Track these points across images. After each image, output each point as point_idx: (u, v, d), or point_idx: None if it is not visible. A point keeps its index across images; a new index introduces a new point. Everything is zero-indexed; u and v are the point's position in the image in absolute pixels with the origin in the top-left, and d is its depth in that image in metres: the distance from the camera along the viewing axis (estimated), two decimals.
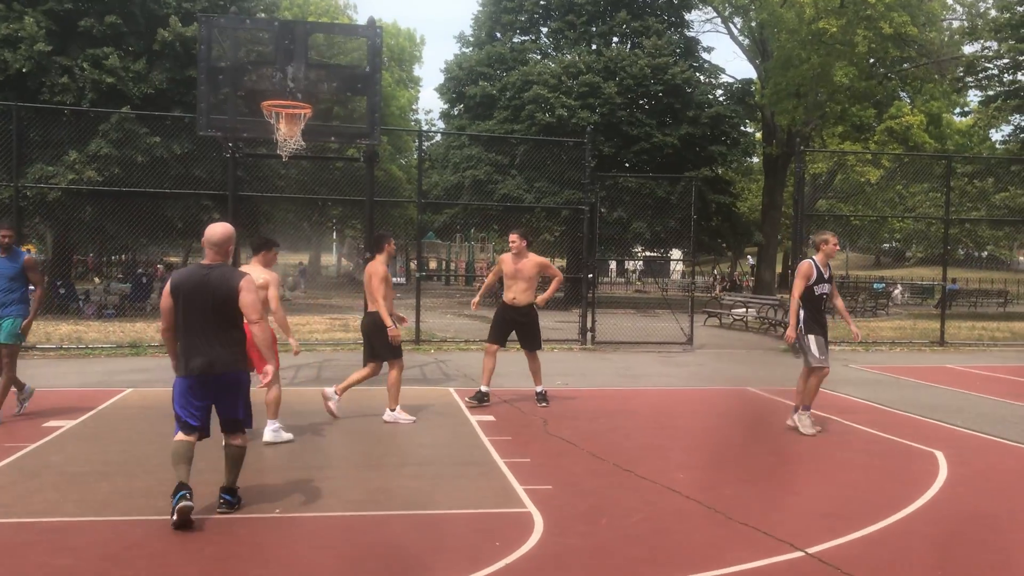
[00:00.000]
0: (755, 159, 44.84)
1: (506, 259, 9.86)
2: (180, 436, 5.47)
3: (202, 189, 19.50)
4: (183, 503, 5.17)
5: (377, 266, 8.58)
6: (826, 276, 8.62)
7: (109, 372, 11.86)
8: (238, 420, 5.59)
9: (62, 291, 22.01)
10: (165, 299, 5.47)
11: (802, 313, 8.52)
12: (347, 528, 5.36)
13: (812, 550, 5.07)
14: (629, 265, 62.51)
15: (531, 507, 5.82)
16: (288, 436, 7.67)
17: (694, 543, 5.22)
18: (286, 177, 25.84)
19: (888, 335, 19.98)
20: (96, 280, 28.52)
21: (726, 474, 6.93)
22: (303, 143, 9.68)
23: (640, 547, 5.10)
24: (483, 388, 9.70)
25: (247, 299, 5.45)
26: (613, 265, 64.20)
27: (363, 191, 12.29)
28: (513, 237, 9.72)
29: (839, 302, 9.02)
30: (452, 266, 56.34)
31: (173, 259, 58.25)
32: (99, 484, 6.16)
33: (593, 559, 4.88)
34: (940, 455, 7.67)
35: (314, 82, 10.03)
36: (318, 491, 6.12)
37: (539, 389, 9.83)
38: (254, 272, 7.09)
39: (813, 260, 8.61)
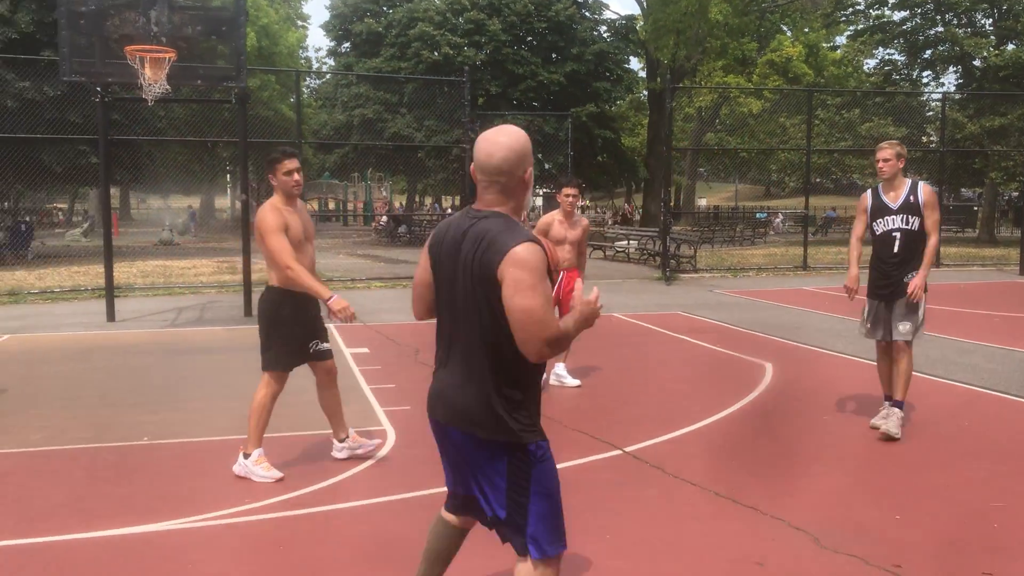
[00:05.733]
0: (645, 94, 45.76)
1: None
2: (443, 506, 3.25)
3: (78, 134, 19.10)
4: None
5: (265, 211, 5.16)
6: (894, 206, 6.20)
7: None
8: (500, 521, 2.85)
9: None
10: (423, 252, 2.99)
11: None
12: (211, 451, 5.80)
13: (629, 448, 5.77)
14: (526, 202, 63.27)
15: (387, 425, 6.37)
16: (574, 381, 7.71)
17: None
18: (169, 118, 25.35)
19: (758, 261, 21.19)
20: None
21: (570, 391, 7.60)
22: (168, 87, 9.78)
23: None
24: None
25: (520, 298, 2.61)
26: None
27: (254, 132, 12.40)
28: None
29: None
30: (350, 206, 55.98)
31: (60, 205, 56.33)
32: None
33: (436, 466, 5.44)
34: (769, 366, 8.52)
35: (178, 26, 10.10)
36: (170, 422, 6.53)
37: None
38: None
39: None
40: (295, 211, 5.21)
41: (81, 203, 57.31)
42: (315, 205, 50.81)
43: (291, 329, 5.20)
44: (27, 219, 27.22)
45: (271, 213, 5.08)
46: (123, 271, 17.25)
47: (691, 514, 4.65)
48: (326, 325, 5.48)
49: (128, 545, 4.22)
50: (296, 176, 5.15)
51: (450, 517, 3.16)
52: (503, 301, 2.64)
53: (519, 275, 2.61)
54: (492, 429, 2.76)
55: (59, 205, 55.75)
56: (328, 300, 5.01)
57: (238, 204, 62.66)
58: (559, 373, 7.77)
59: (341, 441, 5.56)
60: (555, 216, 7.57)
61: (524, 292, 2.60)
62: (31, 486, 5.06)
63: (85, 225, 36.78)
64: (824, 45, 39.00)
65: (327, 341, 5.43)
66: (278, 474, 5.16)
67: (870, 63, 37.36)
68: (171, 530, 4.40)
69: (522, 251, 2.63)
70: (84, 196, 54.54)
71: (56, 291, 14.95)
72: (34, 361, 8.88)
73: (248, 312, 12.15)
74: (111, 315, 11.68)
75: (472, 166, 2.83)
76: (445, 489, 3.18)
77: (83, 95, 18.78)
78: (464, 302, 2.76)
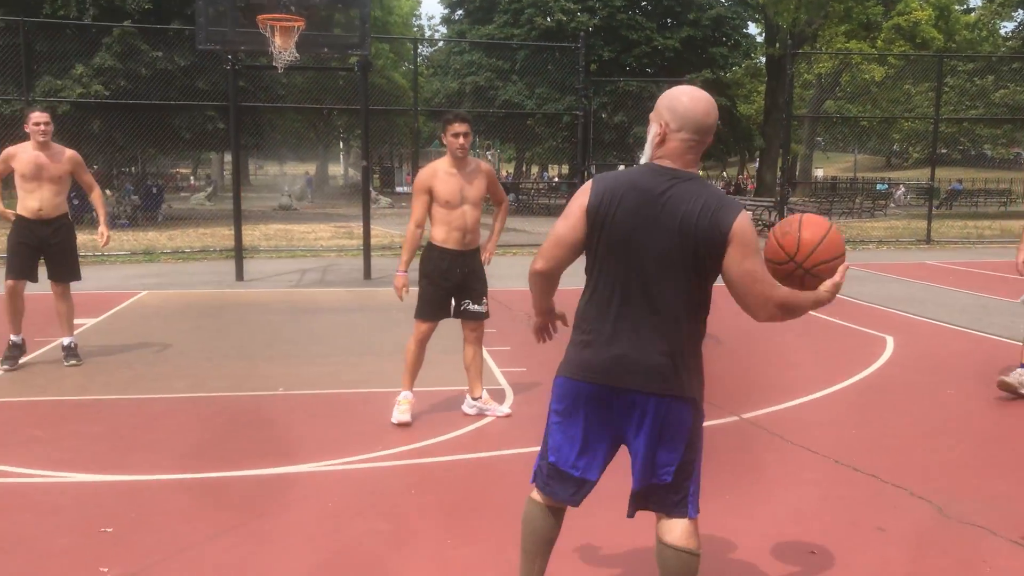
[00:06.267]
0: (763, 60, 44.49)
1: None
2: (536, 493, 2.97)
3: (205, 100, 19.96)
4: None
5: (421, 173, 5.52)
6: None
7: (125, 277, 12.62)
8: (662, 486, 2.81)
9: (75, 202, 22.67)
10: (575, 213, 2.75)
11: None
12: (342, 402, 6.11)
13: (747, 415, 5.80)
14: None
15: (504, 384, 6.56)
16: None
17: None
18: (289, 86, 26.17)
19: (878, 234, 20.54)
20: (108, 192, 29.23)
21: None
22: (297, 55, 10.15)
23: None
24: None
25: (753, 261, 2.62)
26: (622, 169, 64.35)
27: (370, 100, 12.76)
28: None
29: None
30: None
31: (183, 170, 58.87)
32: (121, 370, 6.93)
33: None
34: (891, 339, 8.35)
35: None
36: (302, 375, 6.87)
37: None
38: None
39: None
40: (456, 173, 5.46)
41: (204, 168, 59.76)
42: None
43: (437, 284, 5.47)
44: (159, 182, 28.60)
45: (423, 173, 5.48)
46: (247, 234, 17.91)
47: (810, 479, 4.67)
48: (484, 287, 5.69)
49: (270, 483, 4.53)
50: (461, 140, 5.38)
51: (548, 502, 2.94)
52: (728, 261, 2.61)
53: (752, 239, 2.62)
54: (691, 387, 2.80)
55: (182, 170, 58.24)
56: (396, 273, 5.55)
57: (351, 171, 63.99)
58: None
59: (474, 399, 5.78)
60: None
61: (757, 255, 2.65)
62: (180, 429, 5.44)
63: (209, 189, 38.37)
64: (956, 8, 37.04)
65: (480, 304, 5.66)
66: (405, 419, 5.47)
67: (1008, 26, 35.35)
68: (309, 472, 4.69)
69: (748, 216, 2.66)
70: (206, 161, 56.86)
71: (187, 251, 15.75)
72: (172, 315, 9.45)
73: (367, 275, 12.56)
74: (239, 275, 12.25)
75: (666, 124, 2.67)
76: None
77: (210, 63, 19.60)
78: (663, 259, 2.64)
